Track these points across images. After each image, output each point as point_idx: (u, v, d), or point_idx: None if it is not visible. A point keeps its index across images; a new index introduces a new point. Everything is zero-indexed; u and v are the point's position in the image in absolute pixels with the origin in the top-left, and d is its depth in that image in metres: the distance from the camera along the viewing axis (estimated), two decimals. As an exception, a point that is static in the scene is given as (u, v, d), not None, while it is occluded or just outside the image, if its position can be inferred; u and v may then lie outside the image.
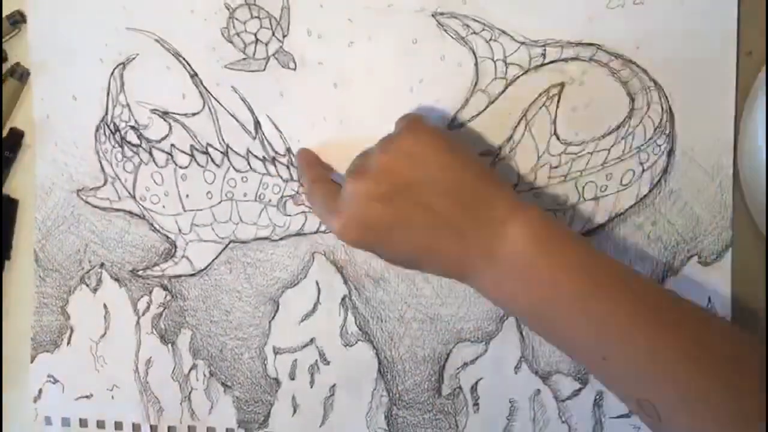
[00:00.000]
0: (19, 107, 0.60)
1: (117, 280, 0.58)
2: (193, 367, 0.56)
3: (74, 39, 0.58)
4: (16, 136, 0.60)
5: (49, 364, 0.59)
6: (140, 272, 0.58)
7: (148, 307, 0.57)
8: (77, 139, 0.58)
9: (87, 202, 0.58)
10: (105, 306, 0.58)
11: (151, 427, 0.58)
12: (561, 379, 0.50)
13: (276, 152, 0.54)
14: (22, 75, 0.59)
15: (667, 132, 0.48)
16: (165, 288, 0.57)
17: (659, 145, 0.48)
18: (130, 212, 0.58)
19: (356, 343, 0.53)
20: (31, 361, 0.59)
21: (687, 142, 0.47)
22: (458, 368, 0.51)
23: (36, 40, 0.58)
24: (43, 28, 0.58)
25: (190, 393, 0.56)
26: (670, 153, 0.48)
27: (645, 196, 0.48)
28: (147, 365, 0.57)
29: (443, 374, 0.52)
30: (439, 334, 0.52)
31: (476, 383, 0.51)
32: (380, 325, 0.53)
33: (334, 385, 0.54)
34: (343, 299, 0.53)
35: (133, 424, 0.58)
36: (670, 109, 0.47)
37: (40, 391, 0.59)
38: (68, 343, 0.59)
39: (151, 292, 0.57)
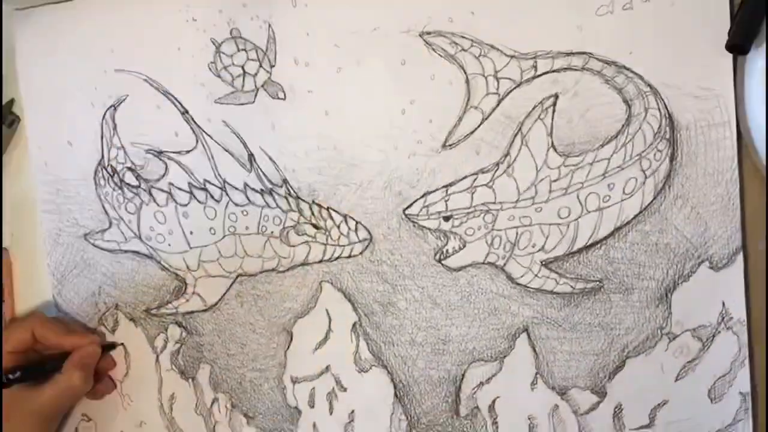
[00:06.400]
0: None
1: (132, 320, 0.59)
2: (215, 400, 0.57)
3: (64, 84, 0.58)
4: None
5: (81, 403, 0.60)
6: (154, 311, 0.58)
7: (165, 345, 0.58)
8: (78, 185, 0.58)
9: (95, 246, 0.59)
10: (124, 346, 0.59)
11: (179, 461, 0.59)
12: (578, 393, 0.49)
13: (273, 184, 0.54)
14: (12, 122, 0.59)
15: (668, 137, 0.46)
16: (180, 325, 0.57)
17: (660, 151, 0.46)
18: (138, 252, 0.58)
19: (371, 368, 0.53)
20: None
21: (689, 146, 0.46)
22: (474, 388, 0.51)
23: (27, 88, 0.59)
24: (32, 75, 0.58)
25: (214, 426, 0.57)
26: (673, 158, 0.46)
27: (650, 203, 0.47)
28: (171, 401, 0.58)
29: (460, 395, 0.51)
30: (452, 355, 0.52)
31: (493, 402, 0.51)
32: (392, 349, 0.53)
33: (353, 412, 0.54)
34: (353, 326, 0.53)
35: (163, 459, 0.59)
36: (668, 113, 0.46)
37: (76, 429, 0.60)
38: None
39: (166, 330, 0.58)
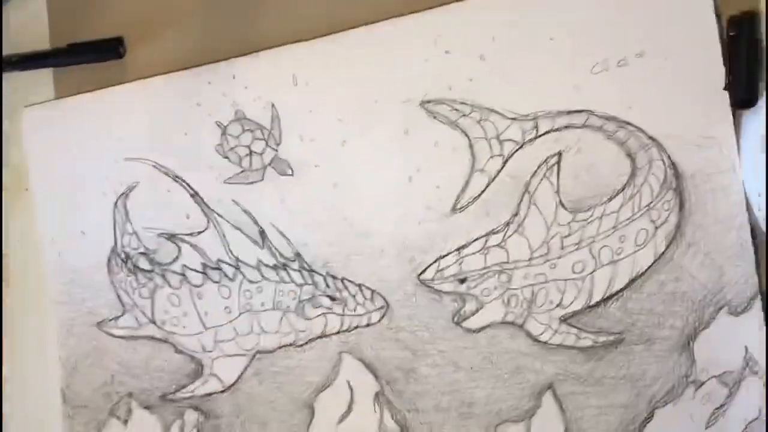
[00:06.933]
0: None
1: (147, 407, 0.58)
2: (238, 484, 0.56)
3: (75, 177, 0.58)
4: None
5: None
6: (170, 396, 0.57)
7: (181, 431, 0.57)
8: (92, 273, 0.58)
9: (109, 334, 0.59)
10: (139, 437, 0.58)
11: None
12: (609, 448, 0.49)
13: (286, 258, 0.54)
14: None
15: (674, 186, 0.47)
16: (197, 408, 0.57)
17: (668, 201, 0.47)
18: (153, 337, 0.58)
19: (397, 438, 0.52)
20: (72, 504, 0.59)
21: (696, 195, 0.47)
22: (504, 451, 0.50)
23: (37, 183, 0.59)
24: (43, 170, 0.59)
25: None
26: (681, 207, 0.47)
27: (663, 253, 0.47)
28: (191, 489, 0.57)
29: (489, 459, 0.51)
30: (479, 418, 0.51)
31: (524, 464, 0.50)
32: (417, 416, 0.52)
33: (381, 485, 0.53)
34: (376, 395, 0.53)
35: None
36: (672, 163, 0.47)
37: None
38: (107, 480, 0.59)
39: (183, 415, 0.57)
